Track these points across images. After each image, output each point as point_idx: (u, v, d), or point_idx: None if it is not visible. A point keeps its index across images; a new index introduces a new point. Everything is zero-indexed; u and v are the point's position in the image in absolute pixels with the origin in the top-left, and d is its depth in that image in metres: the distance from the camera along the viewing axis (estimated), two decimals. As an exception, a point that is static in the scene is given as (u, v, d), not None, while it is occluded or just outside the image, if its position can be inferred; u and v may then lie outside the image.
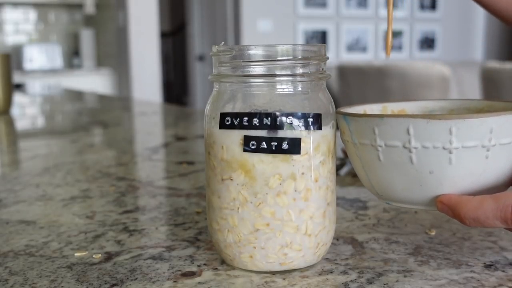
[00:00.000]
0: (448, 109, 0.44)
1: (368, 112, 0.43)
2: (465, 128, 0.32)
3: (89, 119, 1.36)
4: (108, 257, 0.40)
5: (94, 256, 0.40)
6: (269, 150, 0.34)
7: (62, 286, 0.35)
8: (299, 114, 0.35)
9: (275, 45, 0.35)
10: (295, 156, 0.35)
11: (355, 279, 0.36)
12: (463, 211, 0.33)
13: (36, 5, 4.33)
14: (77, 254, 0.41)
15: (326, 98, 0.37)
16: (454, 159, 0.33)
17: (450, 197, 0.34)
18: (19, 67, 4.04)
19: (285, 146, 0.34)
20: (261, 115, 0.34)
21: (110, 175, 0.68)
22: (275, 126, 0.34)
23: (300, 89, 0.36)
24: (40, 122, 1.40)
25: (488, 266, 0.37)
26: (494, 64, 2.45)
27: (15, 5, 4.26)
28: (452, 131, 0.32)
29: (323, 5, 4.55)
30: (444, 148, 0.33)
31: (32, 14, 4.34)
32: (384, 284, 0.35)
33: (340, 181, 0.62)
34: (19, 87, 2.46)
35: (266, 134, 0.34)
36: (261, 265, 0.36)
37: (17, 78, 3.18)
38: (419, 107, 0.44)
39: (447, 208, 0.34)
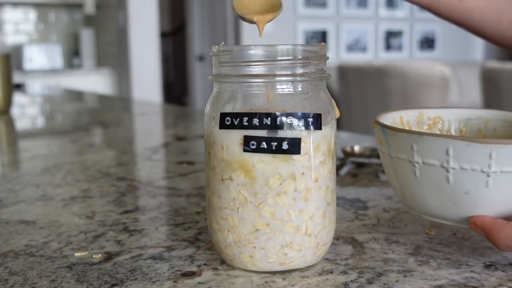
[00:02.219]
0: (484, 119, 0.44)
1: (404, 118, 0.43)
2: (505, 153, 0.32)
3: (89, 119, 1.36)
4: (108, 257, 0.40)
5: (94, 256, 0.40)
6: (269, 150, 0.34)
7: (62, 286, 0.35)
8: (299, 114, 0.35)
9: (275, 45, 0.35)
10: (295, 156, 0.35)
11: (355, 279, 0.36)
12: (497, 237, 0.34)
13: (36, 5, 4.33)
14: (77, 254, 0.41)
15: (326, 98, 0.37)
16: (491, 182, 0.33)
17: (484, 220, 0.34)
18: (19, 67, 4.04)
19: (285, 146, 0.34)
20: (261, 115, 0.34)
21: (110, 175, 0.68)
22: (275, 126, 0.34)
23: (300, 89, 0.36)
24: (40, 122, 1.40)
25: (488, 266, 0.37)
26: (494, 64, 2.45)
27: (15, 5, 4.26)
28: (492, 155, 0.32)
29: (323, 5, 4.55)
30: (482, 171, 0.33)
31: (32, 14, 4.34)
32: (384, 284, 0.35)
33: (340, 181, 0.62)
34: (19, 87, 2.46)
35: (266, 134, 0.34)
36: (261, 265, 0.36)
37: (17, 78, 3.18)
38: (455, 114, 0.44)
39: (480, 230, 0.35)
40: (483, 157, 0.32)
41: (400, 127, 0.42)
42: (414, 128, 0.44)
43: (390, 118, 0.42)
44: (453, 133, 0.45)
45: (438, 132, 0.44)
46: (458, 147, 0.32)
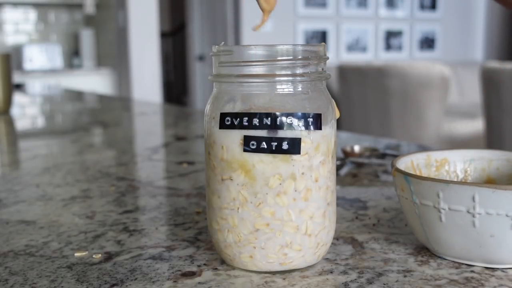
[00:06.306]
0: (487, 159, 0.46)
1: (414, 162, 0.44)
2: None
3: (89, 119, 1.36)
4: (108, 257, 0.40)
5: (94, 256, 0.40)
6: (269, 150, 0.34)
7: (62, 286, 0.35)
8: (299, 114, 0.35)
9: (275, 45, 0.35)
10: (295, 156, 0.35)
11: (355, 279, 0.36)
12: None
13: (36, 5, 4.33)
14: (77, 254, 0.41)
15: (326, 98, 0.37)
16: None
17: None
18: (19, 67, 4.04)
19: (285, 146, 0.34)
20: (261, 115, 0.34)
21: (110, 175, 0.68)
22: (275, 126, 0.34)
23: (300, 89, 0.36)
24: (40, 122, 1.40)
25: (488, 266, 0.37)
26: (494, 64, 2.45)
27: (15, 5, 4.26)
28: None
29: (323, 5, 4.55)
30: (507, 216, 0.34)
31: (32, 14, 4.34)
32: (384, 284, 0.35)
33: (340, 181, 0.62)
34: (19, 87, 2.46)
35: (266, 134, 0.34)
36: (261, 265, 0.36)
37: (17, 78, 3.18)
38: (459, 156, 0.46)
39: None
40: (507, 203, 0.34)
41: (412, 171, 0.44)
42: (423, 171, 0.45)
43: (403, 163, 0.43)
44: (459, 173, 0.47)
45: (445, 173, 0.46)
46: (484, 194, 0.34)
